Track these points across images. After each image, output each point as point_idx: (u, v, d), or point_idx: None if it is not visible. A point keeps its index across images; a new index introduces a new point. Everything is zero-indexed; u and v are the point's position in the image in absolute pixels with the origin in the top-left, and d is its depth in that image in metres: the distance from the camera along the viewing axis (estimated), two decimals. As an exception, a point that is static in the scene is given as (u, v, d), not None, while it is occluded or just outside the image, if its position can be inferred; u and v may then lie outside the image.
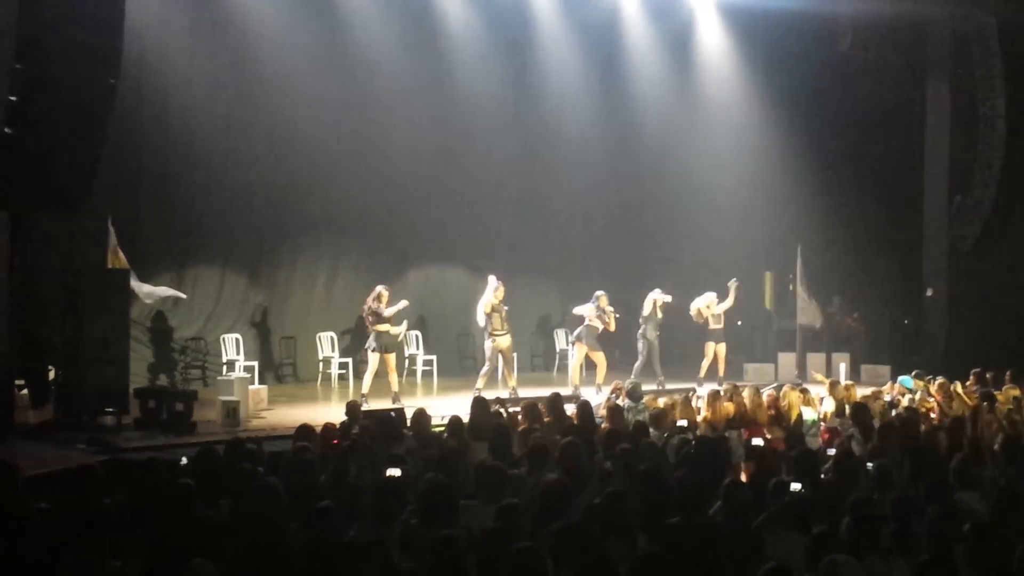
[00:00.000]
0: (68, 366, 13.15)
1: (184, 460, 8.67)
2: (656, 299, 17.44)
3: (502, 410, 11.75)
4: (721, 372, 17.71)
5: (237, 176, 17.59)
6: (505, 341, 15.88)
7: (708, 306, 17.90)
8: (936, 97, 21.74)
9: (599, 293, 16.81)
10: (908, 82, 22.28)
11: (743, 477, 8.72)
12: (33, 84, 12.00)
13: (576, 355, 16.91)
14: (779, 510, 6.93)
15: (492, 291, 15.84)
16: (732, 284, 17.94)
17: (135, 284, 14.42)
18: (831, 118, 22.00)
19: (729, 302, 17.91)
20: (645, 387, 13.76)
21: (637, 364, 17.32)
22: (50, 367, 13.92)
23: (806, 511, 6.57)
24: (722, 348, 17.94)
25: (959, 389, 13.49)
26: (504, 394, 14.78)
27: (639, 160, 22.16)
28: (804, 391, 12.86)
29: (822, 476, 8.22)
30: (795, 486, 7.23)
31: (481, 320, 15.94)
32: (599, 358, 16.72)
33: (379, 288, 15.51)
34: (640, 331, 17.49)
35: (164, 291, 15.37)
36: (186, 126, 16.98)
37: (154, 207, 17.05)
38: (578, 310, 16.97)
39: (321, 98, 18.26)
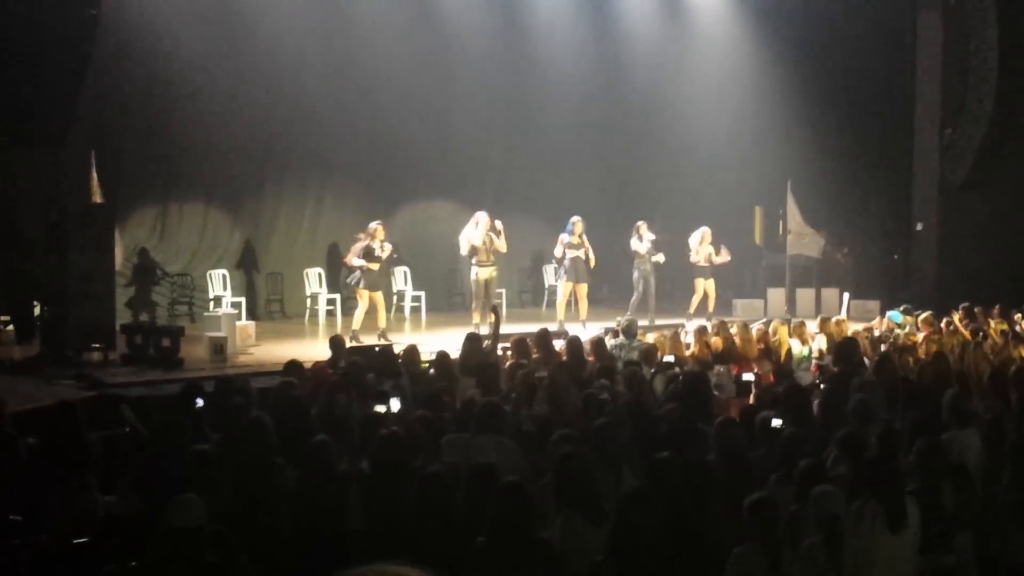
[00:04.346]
0: (53, 302, 13.05)
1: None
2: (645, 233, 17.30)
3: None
4: (711, 308, 17.65)
5: (221, 111, 17.36)
6: (485, 273, 15.64)
7: (701, 242, 17.79)
8: (928, 29, 21.50)
9: (575, 219, 16.58)
10: (900, 14, 22.04)
11: (733, 413, 8.74)
12: (13, 17, 11.82)
13: (562, 292, 16.74)
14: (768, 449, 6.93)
15: (474, 225, 15.61)
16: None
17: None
18: (821, 51, 21.76)
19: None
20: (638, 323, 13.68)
21: (633, 299, 17.24)
22: (35, 303, 13.84)
23: (794, 449, 6.57)
24: (711, 284, 17.87)
25: (958, 321, 13.45)
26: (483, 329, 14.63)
27: (630, 95, 21.97)
28: (798, 325, 12.83)
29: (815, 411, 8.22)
30: (776, 422, 7.22)
31: (464, 250, 15.72)
32: (582, 290, 16.57)
33: (373, 225, 15.36)
34: (635, 264, 17.36)
35: None
36: (170, 60, 16.73)
37: (137, 142, 16.82)
38: (557, 249, 16.67)
39: (307, 33, 18.00)
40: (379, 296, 15.25)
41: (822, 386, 9.70)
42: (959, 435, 7.50)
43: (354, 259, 15.04)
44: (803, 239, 19.83)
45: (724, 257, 17.78)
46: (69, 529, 5.99)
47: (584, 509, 5.66)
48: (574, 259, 16.40)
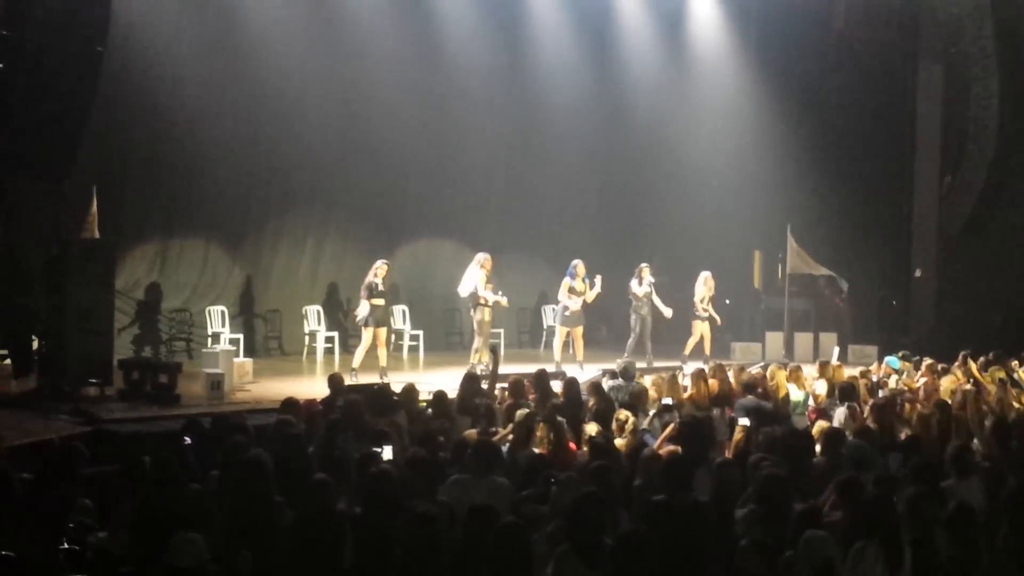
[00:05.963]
0: (52, 336, 13.02)
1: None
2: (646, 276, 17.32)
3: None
4: (708, 351, 17.64)
5: (224, 147, 17.41)
6: (489, 314, 15.68)
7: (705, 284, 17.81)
8: (929, 77, 21.65)
9: (576, 262, 16.62)
10: (901, 62, 22.18)
11: (727, 455, 8.73)
12: (19, 51, 11.88)
13: (559, 335, 16.77)
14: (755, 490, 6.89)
15: (478, 265, 15.63)
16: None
17: None
18: (823, 97, 21.92)
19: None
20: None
21: (630, 342, 17.24)
22: (34, 337, 13.81)
23: (777, 492, 6.53)
24: (707, 327, 17.85)
25: (974, 369, 13.45)
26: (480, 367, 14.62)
27: (630, 137, 22.08)
28: (794, 370, 12.81)
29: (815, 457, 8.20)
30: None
31: (464, 292, 15.74)
32: (578, 331, 16.60)
33: (378, 262, 15.39)
34: (633, 307, 17.38)
35: None
36: (173, 96, 16.83)
37: (140, 177, 16.88)
38: (561, 296, 16.71)
39: (310, 71, 18.10)
40: (383, 333, 15.25)
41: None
42: (960, 485, 7.45)
43: (363, 300, 15.08)
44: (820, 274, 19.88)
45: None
46: (62, 566, 5.95)
47: (582, 550, 5.63)
48: (572, 309, 16.43)
